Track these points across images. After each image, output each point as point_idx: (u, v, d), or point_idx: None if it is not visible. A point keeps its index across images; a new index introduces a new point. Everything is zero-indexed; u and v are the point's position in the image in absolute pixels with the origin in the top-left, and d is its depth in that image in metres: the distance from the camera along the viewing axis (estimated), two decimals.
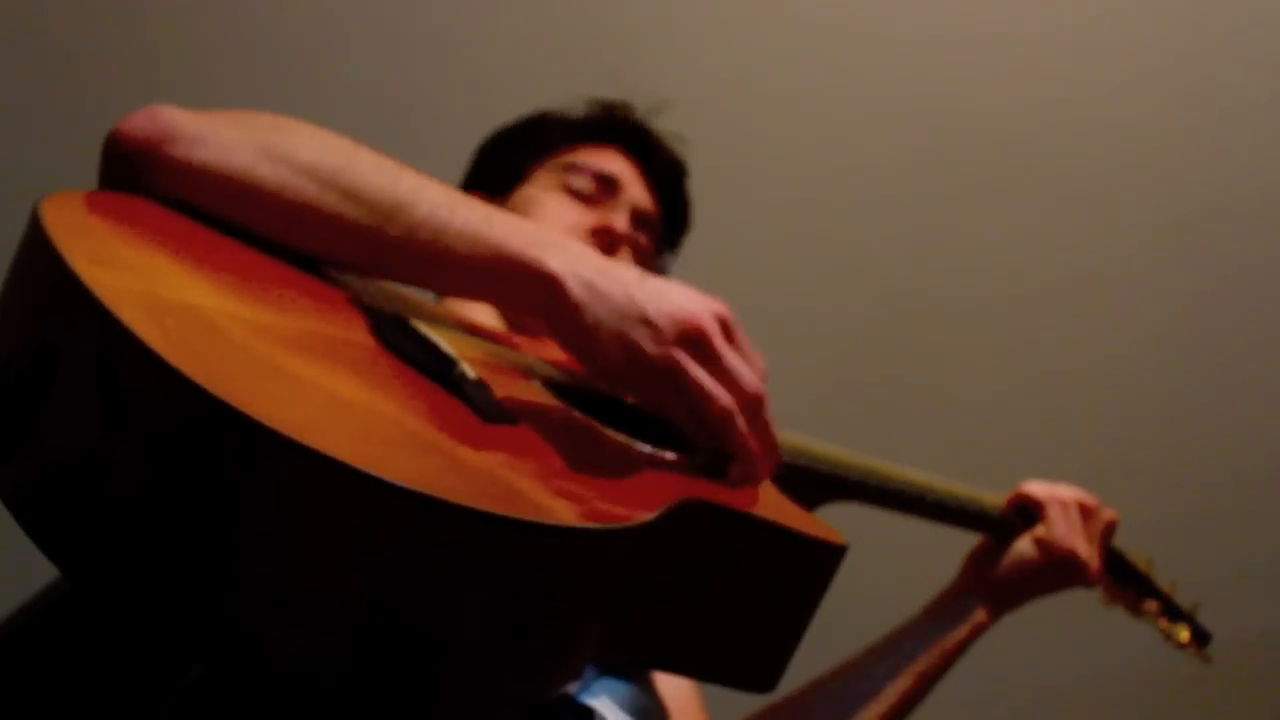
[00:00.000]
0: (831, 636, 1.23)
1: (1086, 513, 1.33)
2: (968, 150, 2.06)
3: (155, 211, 0.81)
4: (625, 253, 1.24)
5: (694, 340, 0.81)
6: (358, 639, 0.62)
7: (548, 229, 0.96)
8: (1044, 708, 1.97)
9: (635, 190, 1.29)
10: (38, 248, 0.68)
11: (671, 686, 1.16)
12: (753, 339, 0.87)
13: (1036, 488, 1.33)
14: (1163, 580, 1.47)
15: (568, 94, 1.40)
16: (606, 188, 1.27)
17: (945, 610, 1.29)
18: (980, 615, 1.29)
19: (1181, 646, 1.47)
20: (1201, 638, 1.47)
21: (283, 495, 0.61)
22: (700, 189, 1.98)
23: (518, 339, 1.04)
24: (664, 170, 1.33)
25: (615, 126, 1.33)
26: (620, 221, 1.25)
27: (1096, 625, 1.59)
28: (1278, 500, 2.08)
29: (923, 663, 1.24)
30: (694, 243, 1.91)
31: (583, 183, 1.26)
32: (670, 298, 0.82)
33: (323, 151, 0.84)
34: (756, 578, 0.84)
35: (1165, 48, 2.08)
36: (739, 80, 2.01)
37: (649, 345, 0.80)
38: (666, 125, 1.39)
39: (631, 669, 0.90)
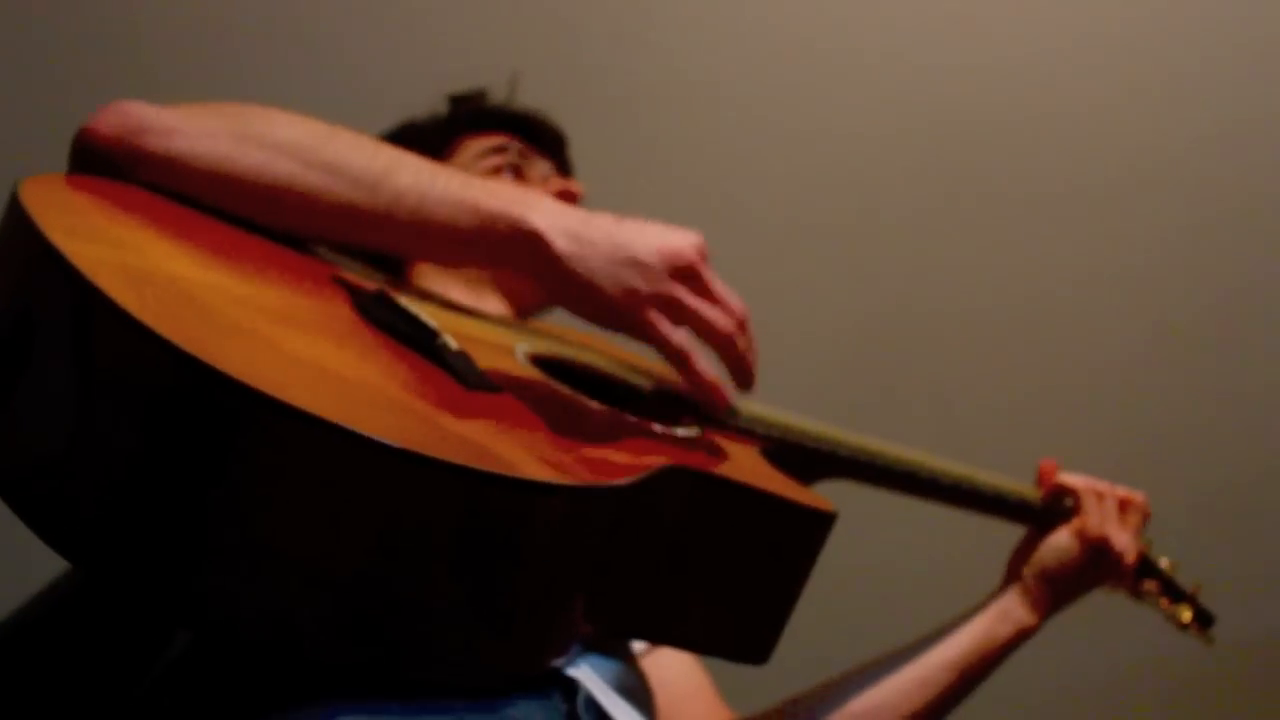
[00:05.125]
0: (842, 616, 1.22)
1: (1125, 506, 1.29)
2: (969, 155, 2.06)
3: (135, 192, 0.81)
4: None
5: (684, 272, 0.86)
6: (339, 598, 0.62)
7: (524, 190, 0.97)
8: (1048, 708, 1.96)
9: (538, 160, 1.28)
10: (17, 225, 0.69)
11: (680, 668, 1.15)
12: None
13: (1073, 478, 1.29)
14: (1163, 561, 1.46)
15: (565, 98, 1.39)
16: (521, 160, 1.26)
17: (989, 609, 1.24)
18: (1024, 615, 1.23)
19: (1184, 628, 1.45)
20: (1204, 619, 1.45)
21: (264, 455, 0.61)
22: (701, 192, 1.99)
23: (501, 316, 1.04)
24: (546, 129, 1.31)
25: (482, 117, 1.30)
26: (571, 183, 1.24)
27: (1100, 625, 1.58)
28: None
29: (963, 660, 1.19)
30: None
31: (494, 164, 1.24)
32: (652, 235, 0.85)
33: (299, 131, 0.85)
34: (744, 546, 0.84)
35: (1165, 53, 2.08)
36: (743, 86, 2.02)
37: (642, 283, 0.84)
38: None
39: (620, 648, 0.90)
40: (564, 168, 1.31)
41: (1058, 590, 1.27)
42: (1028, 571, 1.27)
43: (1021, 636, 1.25)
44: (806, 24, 2.03)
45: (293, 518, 0.61)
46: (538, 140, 1.29)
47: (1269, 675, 2.01)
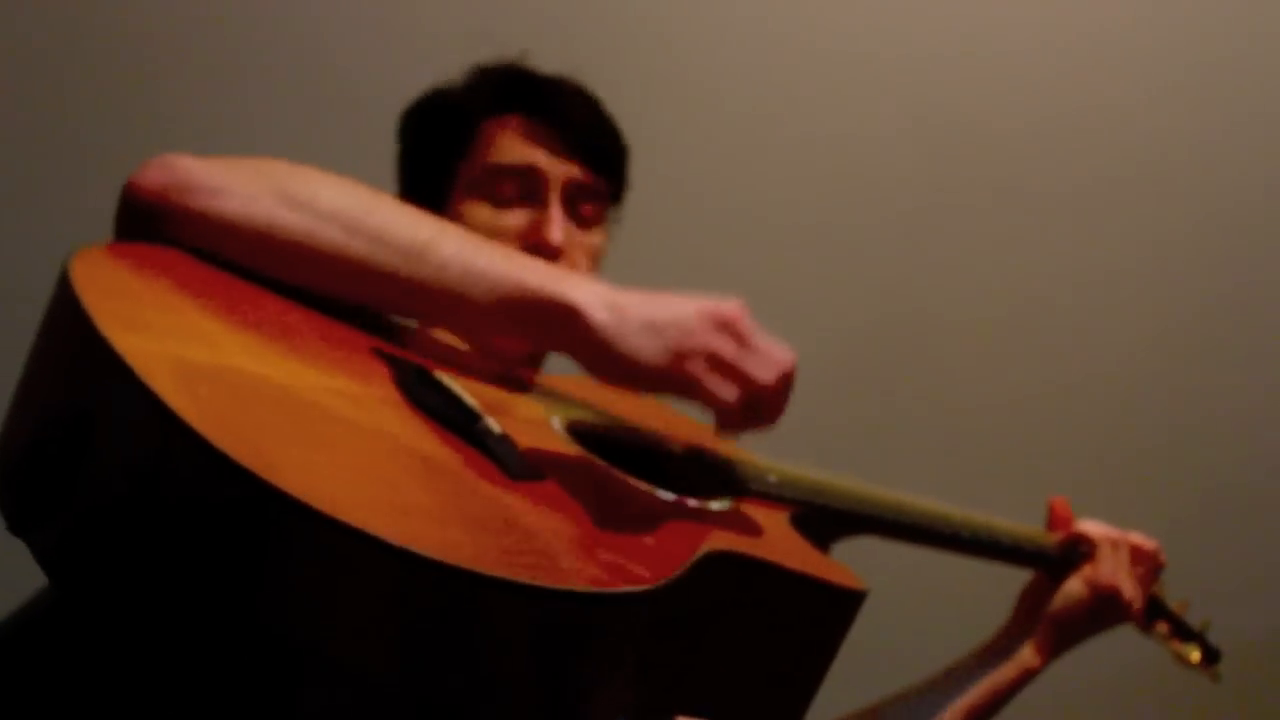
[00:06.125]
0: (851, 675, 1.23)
1: (1138, 555, 1.31)
2: (969, 158, 2.06)
3: (181, 261, 0.81)
4: (573, 257, 1.16)
5: (727, 326, 0.84)
6: (392, 711, 0.63)
7: (565, 270, 0.96)
8: (1047, 707, 1.98)
9: (557, 166, 1.18)
10: (70, 310, 0.69)
11: None
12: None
13: (1091, 526, 1.31)
14: (1172, 600, 1.47)
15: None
16: (529, 180, 1.17)
17: (996, 650, 1.27)
18: (1029, 657, 1.26)
19: (1192, 666, 1.47)
20: (1212, 656, 1.47)
21: (317, 568, 0.61)
22: (702, 196, 1.99)
23: (535, 377, 1.04)
24: (575, 117, 1.22)
25: (507, 96, 1.22)
26: (554, 230, 1.14)
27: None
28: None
29: (968, 703, 1.22)
30: (697, 251, 1.91)
31: (504, 189, 1.17)
32: (690, 299, 0.84)
33: (343, 196, 0.85)
34: (777, 623, 0.85)
35: (1166, 54, 2.08)
36: (740, 87, 2.01)
37: (685, 340, 0.82)
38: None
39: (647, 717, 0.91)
40: (594, 163, 1.21)
41: (1065, 634, 1.30)
42: (1040, 616, 1.29)
43: (1026, 678, 1.28)
44: (805, 24, 2.02)
45: (345, 629, 0.62)
46: (562, 126, 1.20)
47: (1269, 675, 2.02)
